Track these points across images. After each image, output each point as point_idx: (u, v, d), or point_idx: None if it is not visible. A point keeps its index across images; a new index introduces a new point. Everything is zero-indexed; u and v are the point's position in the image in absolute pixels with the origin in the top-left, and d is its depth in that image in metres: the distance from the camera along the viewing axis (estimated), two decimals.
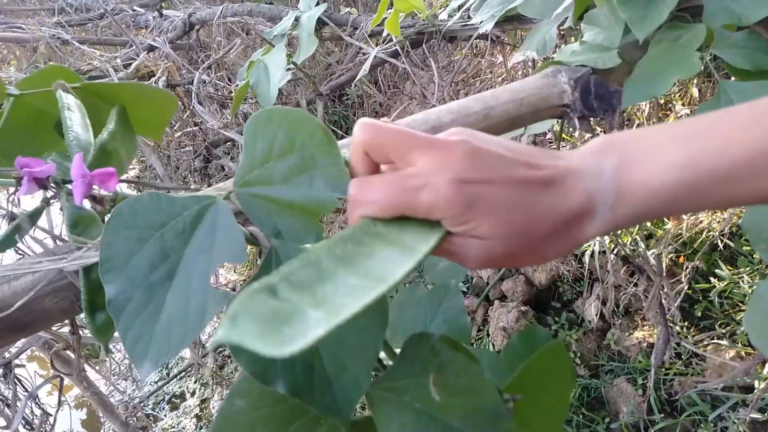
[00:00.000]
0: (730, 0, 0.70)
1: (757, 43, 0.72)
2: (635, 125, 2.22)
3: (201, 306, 0.37)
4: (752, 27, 0.71)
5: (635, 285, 2.11)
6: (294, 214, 0.39)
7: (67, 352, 0.54)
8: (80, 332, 0.48)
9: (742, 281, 1.85)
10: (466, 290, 2.78)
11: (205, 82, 1.53)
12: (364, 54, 1.52)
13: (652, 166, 0.31)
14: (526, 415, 0.45)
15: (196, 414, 2.77)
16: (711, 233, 1.93)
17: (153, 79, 1.32)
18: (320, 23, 1.54)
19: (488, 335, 2.44)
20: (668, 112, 2.08)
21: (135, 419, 2.30)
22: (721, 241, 1.93)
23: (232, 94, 1.44)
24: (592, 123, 0.73)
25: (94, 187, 0.44)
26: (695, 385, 1.82)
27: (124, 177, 0.53)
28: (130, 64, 1.46)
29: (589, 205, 0.32)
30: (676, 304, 1.85)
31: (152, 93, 0.59)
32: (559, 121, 0.75)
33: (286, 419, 0.39)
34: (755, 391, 1.71)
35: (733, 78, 0.72)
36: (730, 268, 1.91)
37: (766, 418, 1.71)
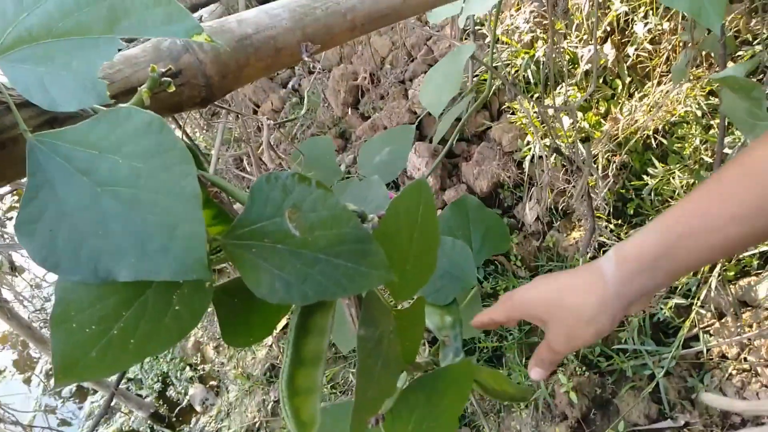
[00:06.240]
0: None
1: None
2: (575, 25, 2.19)
3: None
4: None
5: (573, 187, 2.17)
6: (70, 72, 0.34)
7: None
8: None
9: (673, 177, 1.92)
10: None
11: None
12: None
13: (638, 236, 0.48)
14: (396, 240, 0.48)
15: None
16: (646, 132, 1.98)
17: None
18: None
19: None
20: (607, 11, 2.06)
21: None
22: (655, 139, 1.98)
23: None
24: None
25: None
26: None
27: None
28: None
29: (598, 271, 0.49)
30: (602, 194, 1.91)
31: None
32: None
33: (134, 295, 0.37)
34: (680, 277, 1.83)
35: None
36: (663, 165, 1.98)
37: (688, 303, 1.85)
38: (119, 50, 0.36)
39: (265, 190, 0.39)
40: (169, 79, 0.38)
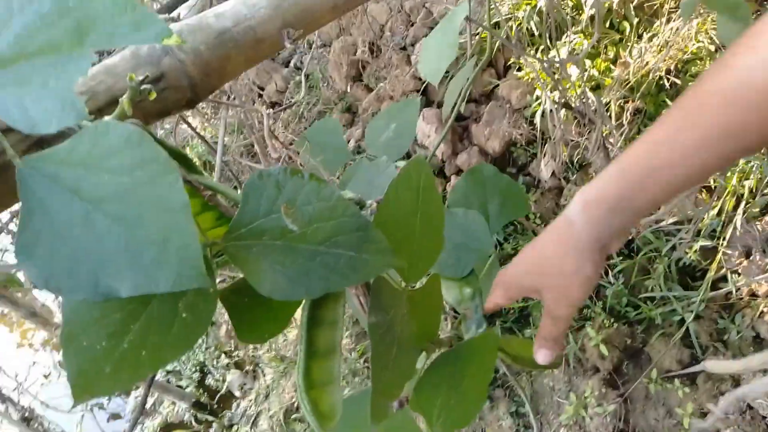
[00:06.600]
0: None
1: None
2: None
3: None
4: None
5: (587, 139, 2.12)
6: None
7: None
8: None
9: None
10: None
11: None
12: None
13: (600, 178, 0.46)
14: (398, 222, 0.47)
15: None
16: (658, 73, 1.92)
17: None
18: None
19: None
20: None
21: None
22: (668, 80, 1.92)
23: None
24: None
25: None
26: (650, 225, 1.89)
27: None
28: None
29: (567, 220, 0.48)
30: (618, 143, 1.87)
31: None
32: None
33: (140, 307, 0.37)
34: (704, 219, 1.79)
35: None
36: None
37: (714, 244, 1.81)
38: (94, 63, 0.36)
39: (259, 188, 0.39)
40: (149, 86, 0.38)
